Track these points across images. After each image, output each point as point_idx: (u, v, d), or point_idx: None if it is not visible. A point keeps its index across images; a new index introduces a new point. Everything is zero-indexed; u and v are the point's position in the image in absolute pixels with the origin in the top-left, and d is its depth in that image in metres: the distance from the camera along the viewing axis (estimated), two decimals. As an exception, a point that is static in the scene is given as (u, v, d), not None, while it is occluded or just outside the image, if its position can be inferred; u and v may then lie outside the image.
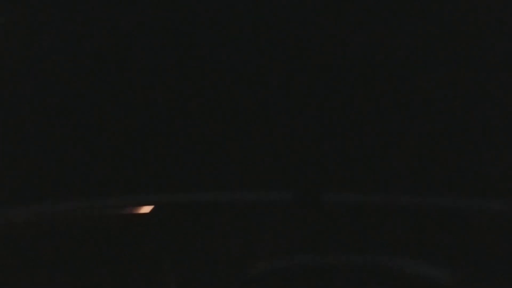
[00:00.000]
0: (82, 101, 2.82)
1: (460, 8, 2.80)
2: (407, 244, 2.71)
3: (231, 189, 2.75)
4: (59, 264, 2.72)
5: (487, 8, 2.80)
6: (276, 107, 2.79)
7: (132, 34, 2.85)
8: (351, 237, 2.73)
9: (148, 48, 2.83)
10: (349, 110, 2.78)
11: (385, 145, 2.76)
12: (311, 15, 2.82)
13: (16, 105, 2.84)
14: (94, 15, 2.87)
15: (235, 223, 2.75)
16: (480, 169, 2.73)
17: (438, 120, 2.76)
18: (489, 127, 2.74)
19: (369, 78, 2.78)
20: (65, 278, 2.71)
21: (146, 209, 2.75)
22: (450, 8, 2.80)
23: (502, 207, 2.69)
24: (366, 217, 2.73)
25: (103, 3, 2.85)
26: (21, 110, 2.83)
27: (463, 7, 2.81)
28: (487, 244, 2.67)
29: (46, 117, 2.82)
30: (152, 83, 2.82)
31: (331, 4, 2.82)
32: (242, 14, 2.84)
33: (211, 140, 2.79)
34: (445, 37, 2.79)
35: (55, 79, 2.84)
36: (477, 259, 2.67)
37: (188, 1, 2.85)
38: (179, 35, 2.85)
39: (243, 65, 2.82)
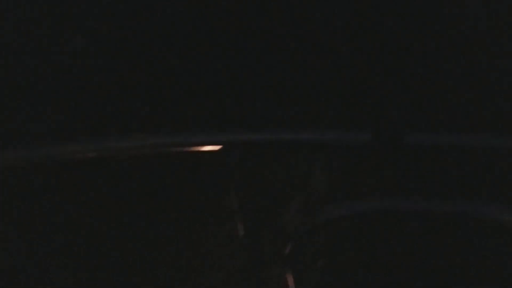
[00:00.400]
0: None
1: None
2: (489, 189, 2.59)
3: (308, 128, 2.61)
4: (125, 201, 2.57)
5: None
6: (358, 47, 2.64)
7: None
8: (431, 181, 2.61)
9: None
10: (430, 52, 2.65)
11: (469, 86, 2.63)
12: None
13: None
14: None
15: (310, 164, 2.61)
16: None
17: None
18: None
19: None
20: (132, 215, 2.56)
21: (216, 148, 2.60)
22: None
23: None
24: (448, 160, 2.60)
25: None
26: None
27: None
28: None
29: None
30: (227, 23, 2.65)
31: None
32: None
33: (289, 78, 2.63)
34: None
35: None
36: None
37: None
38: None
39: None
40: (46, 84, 2.57)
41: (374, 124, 2.62)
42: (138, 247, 2.55)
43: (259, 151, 2.63)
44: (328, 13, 2.69)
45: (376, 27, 2.68)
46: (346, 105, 2.66)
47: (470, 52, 2.67)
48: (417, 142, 2.60)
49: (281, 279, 2.57)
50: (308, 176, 2.63)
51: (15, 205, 2.50)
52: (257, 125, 2.63)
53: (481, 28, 2.68)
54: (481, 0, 2.67)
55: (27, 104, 2.55)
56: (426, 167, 2.61)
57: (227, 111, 2.64)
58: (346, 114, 2.64)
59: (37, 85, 2.56)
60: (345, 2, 2.69)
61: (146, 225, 2.56)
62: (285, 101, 2.66)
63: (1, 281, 2.44)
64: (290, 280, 2.56)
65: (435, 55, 2.67)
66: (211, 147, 2.60)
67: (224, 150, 2.61)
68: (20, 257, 2.49)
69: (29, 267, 2.49)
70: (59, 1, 2.64)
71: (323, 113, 2.65)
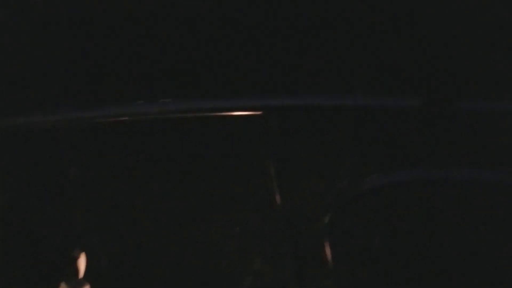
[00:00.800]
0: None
1: None
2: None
3: (355, 94, 2.48)
4: (161, 165, 2.53)
5: None
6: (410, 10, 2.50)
7: None
8: (481, 150, 2.45)
9: None
10: (485, 16, 2.48)
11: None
12: None
13: None
14: None
15: (354, 130, 2.50)
16: None
17: None
18: None
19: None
20: (168, 181, 2.52)
21: (257, 112, 2.51)
22: None
23: None
24: (500, 128, 2.44)
25: None
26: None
27: None
28: None
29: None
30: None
31: None
32: None
33: (334, 40, 2.52)
34: None
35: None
36: None
37: None
38: None
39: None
40: (76, 49, 2.54)
41: (425, 90, 2.47)
42: (168, 213, 2.51)
43: (300, 117, 2.53)
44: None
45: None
46: (397, 70, 2.53)
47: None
48: (468, 109, 2.44)
49: (318, 250, 2.48)
50: (352, 143, 2.51)
51: (44, 168, 2.49)
52: (299, 90, 2.53)
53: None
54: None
55: (57, 69, 2.53)
56: (477, 135, 2.46)
57: (267, 75, 2.55)
58: (396, 79, 2.50)
59: (68, 51, 2.54)
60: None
61: (180, 191, 2.52)
62: (330, 65, 2.54)
63: (33, 237, 2.45)
64: (327, 250, 2.47)
65: (489, 20, 2.50)
66: (250, 112, 2.52)
67: (264, 115, 2.52)
68: (50, 219, 2.50)
69: (57, 227, 2.48)
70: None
71: (371, 78, 2.52)
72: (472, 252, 2.41)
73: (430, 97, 2.45)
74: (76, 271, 2.43)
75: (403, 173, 2.49)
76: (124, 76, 2.56)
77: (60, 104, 2.48)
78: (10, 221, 2.46)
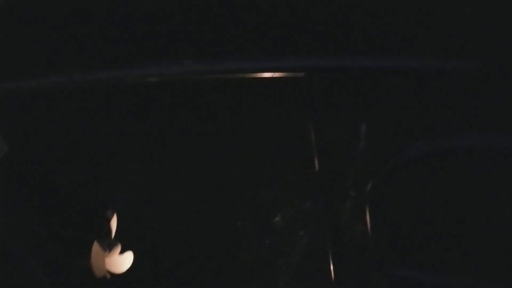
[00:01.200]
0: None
1: None
2: None
3: (406, 54, 2.38)
4: (202, 124, 2.46)
5: None
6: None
7: None
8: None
9: None
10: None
11: None
12: None
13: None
14: None
15: (398, 94, 2.40)
16: None
17: None
18: None
19: None
20: (207, 143, 2.45)
21: (298, 74, 2.43)
22: None
23: None
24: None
25: None
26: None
27: None
28: None
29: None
30: None
31: None
32: None
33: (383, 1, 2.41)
34: None
35: None
36: None
37: None
38: None
39: None
40: (107, 10, 2.48)
41: (482, 52, 2.35)
42: (200, 175, 2.44)
43: (343, 79, 2.44)
44: None
45: None
46: (451, 32, 2.41)
47: None
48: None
49: (358, 218, 2.39)
50: (397, 108, 2.41)
51: (79, 126, 2.45)
52: (343, 51, 2.43)
53: None
54: None
55: (88, 30, 2.47)
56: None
57: (310, 35, 2.45)
58: (450, 41, 2.38)
59: (99, 11, 2.47)
60: None
61: (214, 155, 2.45)
62: (377, 25, 2.44)
63: (66, 199, 2.41)
64: (368, 220, 2.39)
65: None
66: (292, 73, 2.44)
67: (306, 77, 2.43)
68: (82, 179, 2.45)
69: (89, 188, 2.44)
70: None
71: (420, 39, 2.41)
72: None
73: (483, 60, 2.35)
74: (109, 231, 2.38)
75: (452, 140, 2.39)
76: (168, 34, 2.49)
77: (84, 65, 2.43)
78: (42, 182, 2.42)
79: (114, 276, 2.37)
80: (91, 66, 2.40)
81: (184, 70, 2.44)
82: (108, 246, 2.36)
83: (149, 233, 2.42)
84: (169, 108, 2.46)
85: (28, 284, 2.30)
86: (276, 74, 2.43)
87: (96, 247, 2.34)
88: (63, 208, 2.39)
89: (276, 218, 2.44)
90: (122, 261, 2.37)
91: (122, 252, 2.37)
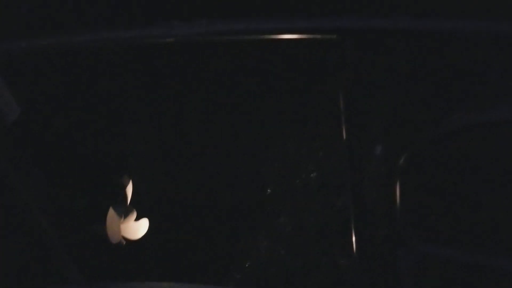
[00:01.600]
0: None
1: None
2: None
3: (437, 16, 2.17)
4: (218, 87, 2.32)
5: None
6: None
7: None
8: None
9: None
10: None
11: None
12: None
13: None
14: None
15: (436, 60, 2.21)
16: None
17: None
18: None
19: None
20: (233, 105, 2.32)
21: (328, 36, 2.25)
22: None
23: None
24: None
25: None
26: None
27: None
28: None
29: None
30: None
31: None
32: None
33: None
34: None
35: None
36: None
37: None
38: None
39: None
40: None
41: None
42: (221, 140, 2.32)
43: (380, 42, 2.25)
44: None
45: None
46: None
47: None
48: None
49: (387, 192, 2.26)
50: (435, 77, 2.23)
51: (93, 89, 2.33)
52: (378, 12, 2.24)
53: None
54: None
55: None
56: None
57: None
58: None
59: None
60: None
61: (241, 117, 2.31)
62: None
63: (82, 163, 2.32)
64: (397, 194, 2.25)
65: None
66: (323, 35, 2.26)
67: (339, 38, 2.25)
68: (99, 146, 2.35)
69: (105, 154, 2.34)
70: None
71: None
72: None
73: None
74: (124, 197, 2.29)
75: (488, 112, 2.21)
76: None
77: (100, 26, 2.28)
78: (57, 147, 2.33)
79: (129, 242, 2.31)
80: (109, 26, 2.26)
81: (199, 31, 2.27)
82: (124, 213, 2.28)
83: (164, 200, 2.33)
84: (195, 71, 2.32)
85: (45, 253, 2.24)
86: (306, 36, 2.25)
87: (111, 213, 2.26)
88: (79, 173, 2.30)
89: (300, 190, 2.33)
90: (137, 228, 2.30)
91: (137, 219, 2.29)
